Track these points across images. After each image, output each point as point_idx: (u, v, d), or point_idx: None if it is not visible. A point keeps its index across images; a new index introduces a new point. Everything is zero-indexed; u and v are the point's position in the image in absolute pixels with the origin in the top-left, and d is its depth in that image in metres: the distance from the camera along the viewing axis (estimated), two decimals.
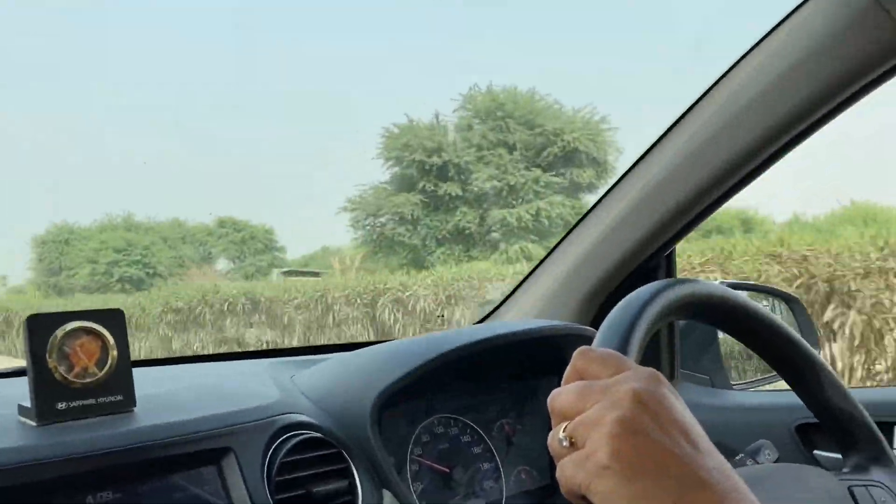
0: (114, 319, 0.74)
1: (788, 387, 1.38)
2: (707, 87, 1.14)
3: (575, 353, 0.57)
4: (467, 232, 17.22)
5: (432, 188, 17.52)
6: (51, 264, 19.90)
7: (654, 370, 0.55)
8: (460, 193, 17.37)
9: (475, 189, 17.36)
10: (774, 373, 1.47)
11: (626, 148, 17.22)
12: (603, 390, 0.53)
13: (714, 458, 0.51)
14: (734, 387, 1.41)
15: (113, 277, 18.76)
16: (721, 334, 1.48)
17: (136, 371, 0.78)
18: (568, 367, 0.57)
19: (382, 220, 18.36)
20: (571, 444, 0.52)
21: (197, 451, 0.72)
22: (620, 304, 0.67)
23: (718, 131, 1.10)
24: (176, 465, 0.71)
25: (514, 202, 16.70)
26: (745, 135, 1.08)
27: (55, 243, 20.04)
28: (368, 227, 18.65)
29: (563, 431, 0.53)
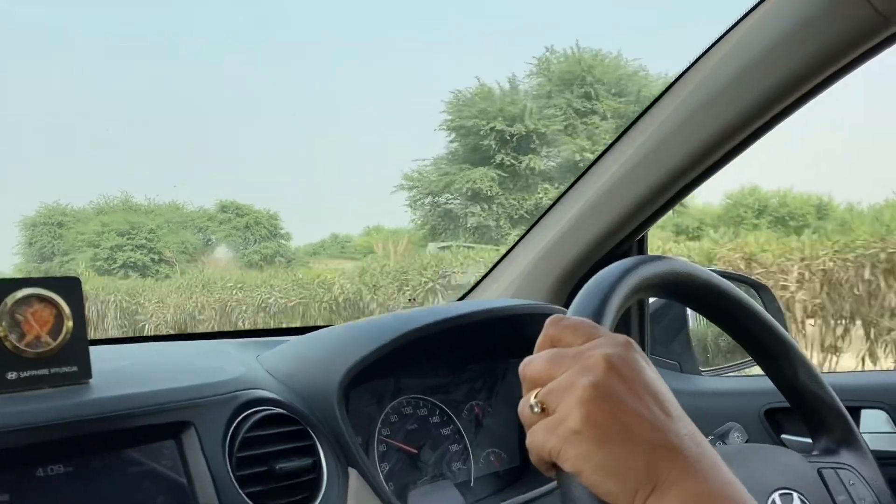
0: (70, 288, 0.71)
1: (756, 373, 1.39)
2: (680, 72, 1.14)
3: (547, 321, 0.56)
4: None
5: (511, 162, 14.99)
6: (42, 248, 17.92)
7: (628, 337, 0.54)
8: (542, 168, 15.06)
9: (557, 163, 14.97)
10: (743, 359, 1.49)
11: None
12: (575, 356, 0.52)
13: (686, 425, 0.50)
14: (703, 373, 1.41)
15: (116, 263, 16.90)
16: (690, 322, 1.48)
17: (93, 349, 0.75)
18: (540, 335, 0.56)
19: (442, 199, 15.93)
20: (542, 410, 0.51)
21: (155, 425, 0.69)
22: (597, 275, 0.66)
23: (691, 116, 1.10)
24: (132, 438, 0.68)
25: None
26: (718, 119, 1.08)
27: (47, 226, 18.03)
28: (429, 207, 16.24)
29: (535, 398, 0.52)
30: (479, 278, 1.37)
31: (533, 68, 16.65)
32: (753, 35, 1.01)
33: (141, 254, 17.26)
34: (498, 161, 15.19)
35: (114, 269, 16.85)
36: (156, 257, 17.38)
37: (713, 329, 1.52)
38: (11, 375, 0.67)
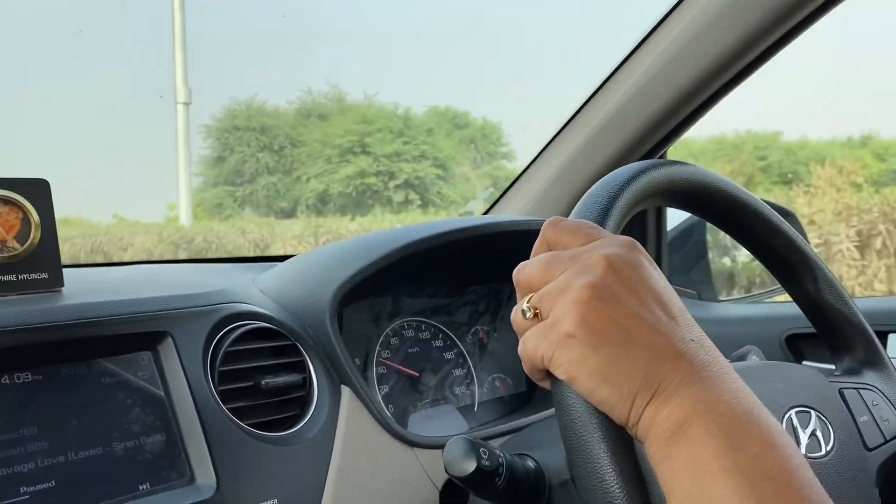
0: (37, 190, 0.67)
1: (777, 299, 1.33)
2: None
3: (545, 224, 0.51)
4: None
5: None
6: (243, 164, 11.38)
7: (631, 238, 0.49)
8: None
9: None
10: (763, 289, 1.43)
11: None
12: (573, 258, 0.47)
13: (692, 330, 0.45)
14: (721, 301, 1.36)
15: (396, 180, 10.53)
16: (710, 247, 1.42)
17: (71, 271, 0.71)
18: (537, 239, 0.52)
19: None
20: (536, 315, 0.47)
21: (130, 334, 0.65)
22: (603, 178, 0.60)
23: (706, 29, 1.02)
24: (106, 347, 0.64)
25: None
26: (734, 34, 1.00)
27: (247, 131, 11.42)
28: None
29: (527, 302, 0.47)
30: (496, 197, 1.32)
31: None
32: None
33: (426, 166, 10.84)
34: None
35: (390, 189, 10.70)
36: (441, 173, 10.99)
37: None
38: None
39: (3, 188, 0.65)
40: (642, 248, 0.49)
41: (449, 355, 1.01)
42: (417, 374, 0.97)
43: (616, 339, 0.43)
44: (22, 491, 0.56)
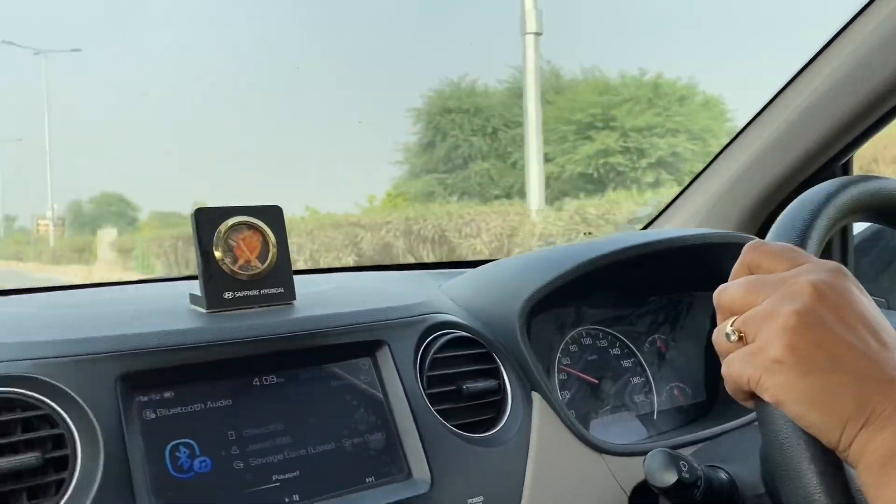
0: (273, 215, 0.77)
1: None
2: None
3: (745, 247, 0.53)
4: None
5: None
6: (455, 149, 10.54)
7: (837, 263, 0.50)
8: None
9: None
10: None
11: None
12: (777, 283, 0.49)
13: None
14: None
15: (647, 158, 9.28)
16: None
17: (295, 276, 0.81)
18: (737, 262, 0.53)
19: None
20: (740, 338, 0.49)
21: (353, 343, 0.74)
22: (800, 197, 0.61)
23: None
24: (333, 354, 0.73)
25: None
26: None
27: (459, 113, 10.39)
28: None
29: (731, 326, 0.49)
30: (661, 207, 1.32)
31: None
32: None
33: (682, 140, 9.37)
34: None
35: (639, 169, 9.31)
36: (697, 148, 9.41)
37: None
38: (228, 295, 0.74)
39: (245, 214, 0.76)
40: (850, 273, 0.50)
41: (627, 363, 1.04)
42: (597, 382, 1.00)
43: (824, 365, 0.45)
44: (274, 479, 0.65)
